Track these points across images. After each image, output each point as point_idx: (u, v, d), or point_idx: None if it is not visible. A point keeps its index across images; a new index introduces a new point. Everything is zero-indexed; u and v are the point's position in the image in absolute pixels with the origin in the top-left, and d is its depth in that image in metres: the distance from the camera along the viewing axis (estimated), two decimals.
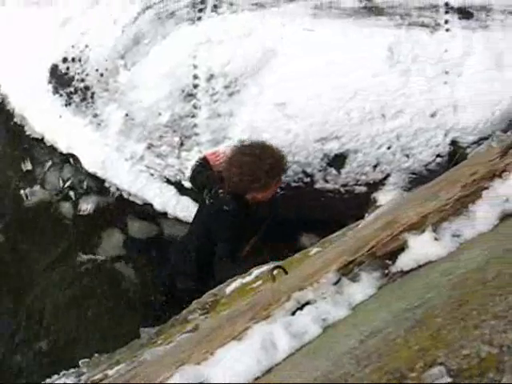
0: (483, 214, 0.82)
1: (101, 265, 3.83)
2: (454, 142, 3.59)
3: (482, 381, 0.44)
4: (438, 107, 3.55)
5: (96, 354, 2.94)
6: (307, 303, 0.91)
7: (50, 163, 3.98)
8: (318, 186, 3.75)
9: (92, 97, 3.87)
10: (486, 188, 0.84)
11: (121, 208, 3.94)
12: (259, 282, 2.38)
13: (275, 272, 1.48)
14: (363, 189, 3.70)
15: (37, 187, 3.94)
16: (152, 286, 3.79)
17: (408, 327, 0.62)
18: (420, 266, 0.86)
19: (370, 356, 0.60)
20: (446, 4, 3.78)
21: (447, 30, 3.70)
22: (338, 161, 3.70)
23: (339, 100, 3.64)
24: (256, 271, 2.71)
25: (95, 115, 3.84)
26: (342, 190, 3.75)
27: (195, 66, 3.72)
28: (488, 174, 0.87)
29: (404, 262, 0.88)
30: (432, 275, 0.76)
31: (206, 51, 3.71)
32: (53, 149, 3.92)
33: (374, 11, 3.80)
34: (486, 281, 0.61)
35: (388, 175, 3.67)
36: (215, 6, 3.81)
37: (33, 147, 4.02)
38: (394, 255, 0.90)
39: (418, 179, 3.59)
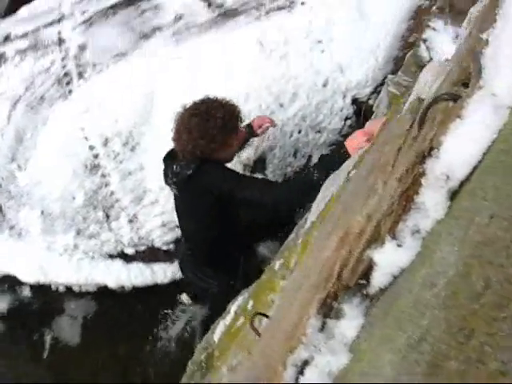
0: (432, 201, 0.78)
1: None
2: (354, 100, 3.63)
3: None
4: (326, 75, 3.58)
5: None
6: (305, 364, 0.85)
7: None
8: None
9: (0, 210, 3.72)
10: (423, 174, 0.80)
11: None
12: (241, 320, 2.27)
13: (255, 323, 1.39)
14: None
15: None
16: None
17: (421, 375, 0.56)
18: (395, 277, 0.81)
19: None
20: None
21: (302, 3, 3.75)
22: (259, 166, 3.68)
23: None
24: (233, 307, 2.61)
25: (12, 227, 3.69)
26: None
27: (87, 138, 3.63)
28: (418, 158, 0.82)
29: (379, 279, 0.82)
30: (415, 289, 0.72)
31: (90, 119, 3.63)
32: None
33: (230, 14, 3.82)
34: (478, 294, 0.56)
35: (310, 156, 3.67)
36: (80, 74, 3.73)
37: None
38: (366, 276, 0.84)
39: (337, 148, 3.61)
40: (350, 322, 0.82)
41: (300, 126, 3.64)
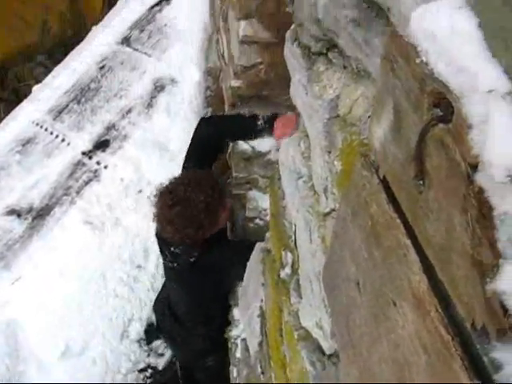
0: None
1: None
2: None
3: None
4: None
5: None
6: None
7: None
8: None
9: None
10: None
11: None
12: None
13: None
14: None
15: None
16: None
17: None
18: None
19: None
20: (84, 153, 3.89)
21: (105, 167, 3.80)
22: None
23: None
24: None
25: None
26: None
27: None
28: (467, 198, 0.66)
29: None
30: None
31: None
32: None
33: (44, 213, 3.73)
34: None
35: None
36: None
37: None
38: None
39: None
40: None
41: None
